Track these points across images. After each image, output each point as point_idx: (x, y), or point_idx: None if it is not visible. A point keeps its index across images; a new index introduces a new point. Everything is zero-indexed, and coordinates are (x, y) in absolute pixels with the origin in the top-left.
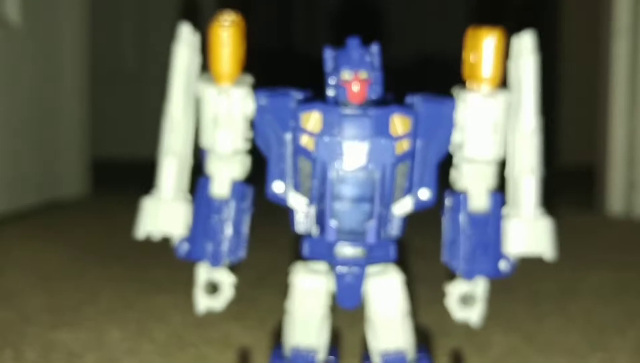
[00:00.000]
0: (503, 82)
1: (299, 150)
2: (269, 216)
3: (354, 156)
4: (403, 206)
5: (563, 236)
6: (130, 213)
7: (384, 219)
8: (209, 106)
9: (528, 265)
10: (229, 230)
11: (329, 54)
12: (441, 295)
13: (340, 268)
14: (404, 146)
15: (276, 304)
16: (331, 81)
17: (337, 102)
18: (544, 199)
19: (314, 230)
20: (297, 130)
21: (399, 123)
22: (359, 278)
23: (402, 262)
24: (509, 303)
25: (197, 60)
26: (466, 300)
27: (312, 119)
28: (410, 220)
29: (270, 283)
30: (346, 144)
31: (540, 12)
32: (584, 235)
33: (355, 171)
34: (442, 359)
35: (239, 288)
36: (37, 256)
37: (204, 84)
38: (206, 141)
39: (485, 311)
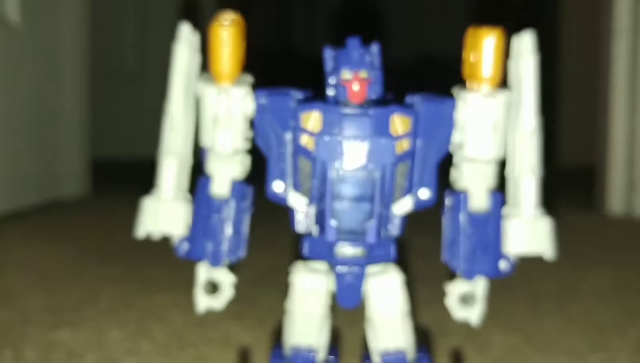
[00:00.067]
0: (503, 82)
1: (299, 150)
2: (269, 216)
3: (354, 155)
4: (403, 206)
5: (563, 236)
6: (130, 212)
7: (384, 219)
8: (209, 106)
9: (528, 265)
10: (229, 230)
11: (329, 54)
12: (441, 295)
13: (340, 268)
14: (404, 145)
15: (276, 304)
16: (331, 80)
17: (337, 102)
18: (544, 199)
19: (314, 230)
20: (297, 130)
21: (399, 123)
22: (359, 278)
23: (402, 262)
24: (509, 303)
25: (197, 60)
26: (466, 300)
27: (312, 119)
28: (410, 220)
29: (270, 283)
30: (346, 144)
31: (540, 12)
32: (584, 235)
33: (355, 171)
34: (442, 359)
35: (239, 287)
36: (37, 256)
37: (204, 84)
38: (206, 141)
39: (485, 311)
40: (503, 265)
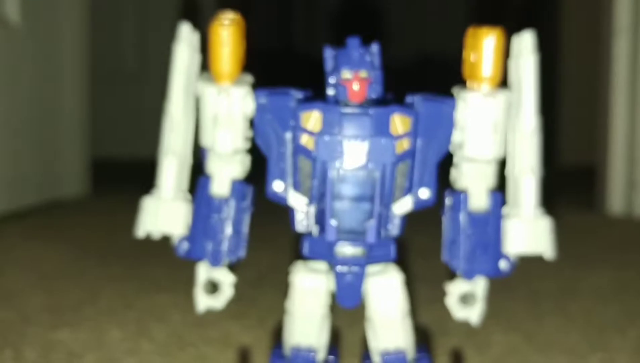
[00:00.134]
0: (503, 82)
1: (299, 149)
2: (269, 216)
3: (354, 155)
4: (403, 206)
5: (563, 236)
6: (130, 212)
7: (384, 219)
8: (209, 106)
9: (528, 265)
10: (228, 229)
11: (329, 54)
12: (441, 295)
13: (340, 268)
14: (404, 145)
15: (276, 303)
16: (331, 80)
17: (337, 102)
18: (544, 199)
19: (314, 230)
20: (297, 129)
21: (399, 122)
22: (359, 278)
23: (402, 262)
24: (509, 303)
25: (197, 59)
26: (466, 300)
27: (313, 119)
28: (410, 220)
29: (270, 283)
30: (346, 144)
31: (540, 12)
32: (584, 235)
33: (355, 171)
34: (442, 358)
35: (238, 287)
36: (37, 256)
37: (204, 84)
38: (206, 141)
39: (485, 311)
40: (503, 265)
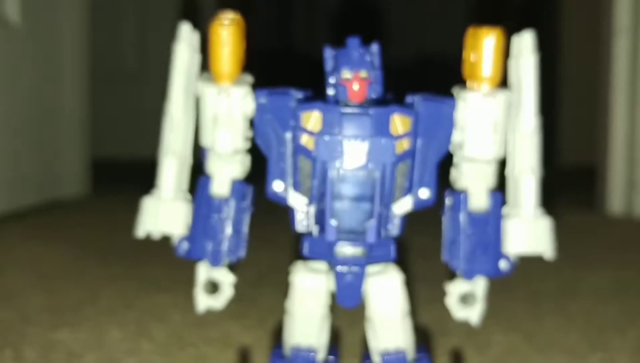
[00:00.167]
0: (503, 82)
1: (299, 149)
2: (269, 216)
3: (354, 155)
4: (403, 206)
5: (563, 236)
6: (130, 212)
7: (384, 219)
8: (209, 105)
9: (528, 265)
10: (228, 229)
11: (329, 54)
12: (441, 295)
13: (340, 268)
14: (404, 145)
15: (276, 303)
16: (331, 80)
17: (337, 102)
18: (544, 199)
19: (314, 230)
20: (297, 129)
21: (399, 122)
22: (359, 278)
23: (402, 261)
24: (509, 303)
25: (197, 59)
26: (466, 300)
27: (313, 119)
28: (410, 219)
29: (270, 283)
30: (346, 143)
31: (540, 12)
32: (584, 235)
33: (355, 170)
34: (442, 358)
35: (238, 287)
36: (37, 256)
37: (204, 84)
38: (206, 141)
39: (485, 311)
40: (503, 265)
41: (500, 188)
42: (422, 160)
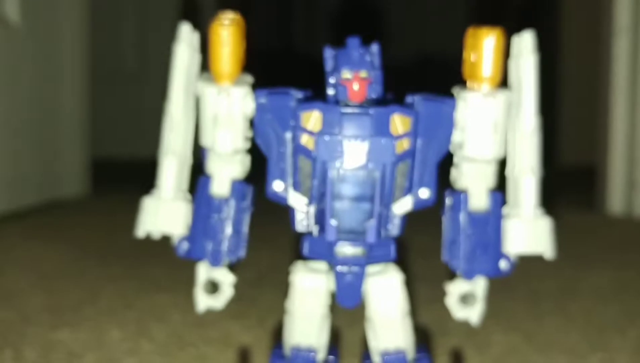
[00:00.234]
0: (503, 82)
1: (299, 149)
2: (269, 215)
3: (354, 155)
4: (403, 206)
5: (563, 236)
6: (130, 212)
7: (384, 219)
8: (209, 105)
9: (528, 264)
10: (228, 229)
11: (329, 54)
12: (441, 294)
13: (340, 268)
14: (404, 145)
15: (276, 303)
16: (331, 80)
17: (337, 102)
18: (544, 199)
19: (314, 230)
20: (297, 129)
21: (399, 122)
22: (359, 278)
23: (402, 261)
24: (509, 303)
25: (197, 59)
26: (466, 300)
27: (313, 119)
28: (410, 220)
29: (270, 283)
30: (346, 143)
31: (540, 12)
32: (584, 235)
33: (355, 170)
34: (442, 358)
35: (238, 287)
36: (37, 256)
37: (204, 84)
38: (206, 141)
39: (485, 311)
40: (503, 265)
41: (500, 188)
42: (422, 160)
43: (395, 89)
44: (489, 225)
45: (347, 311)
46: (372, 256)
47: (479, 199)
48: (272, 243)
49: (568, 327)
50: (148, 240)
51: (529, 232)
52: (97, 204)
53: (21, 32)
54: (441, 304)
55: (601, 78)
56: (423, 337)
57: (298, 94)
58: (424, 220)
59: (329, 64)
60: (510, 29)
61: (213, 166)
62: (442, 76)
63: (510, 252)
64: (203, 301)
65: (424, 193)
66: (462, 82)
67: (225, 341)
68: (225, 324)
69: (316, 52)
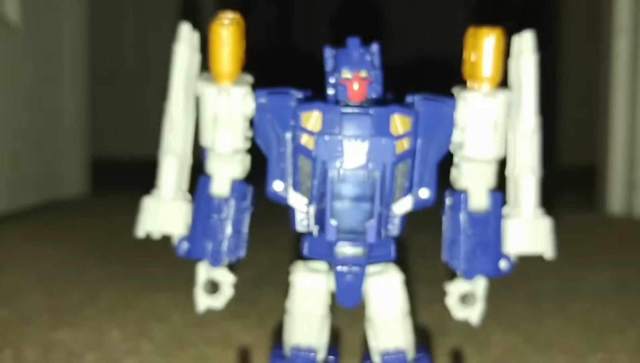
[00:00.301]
0: (503, 82)
1: (299, 149)
2: (269, 215)
3: (354, 155)
4: (403, 206)
5: (563, 236)
6: (130, 212)
7: (384, 219)
8: (209, 105)
9: (528, 264)
10: (228, 229)
11: (329, 54)
12: (441, 294)
13: (341, 268)
14: (404, 145)
15: (276, 303)
16: (331, 80)
17: (337, 101)
18: (544, 199)
19: (314, 230)
20: (297, 129)
21: (399, 122)
22: (359, 277)
23: (402, 261)
24: (509, 303)
25: (197, 59)
26: (466, 300)
27: (313, 118)
28: (410, 220)
29: (270, 282)
30: (346, 143)
31: (540, 12)
32: (584, 235)
33: (355, 170)
34: (442, 358)
35: (238, 287)
36: (37, 256)
37: (204, 83)
38: (206, 141)
39: (485, 311)
40: (503, 265)
41: (500, 188)
42: (422, 160)
43: (395, 89)
44: (489, 225)
45: (347, 311)
46: (372, 256)
47: (479, 199)
48: (272, 243)
49: (568, 327)
50: (148, 240)
51: (529, 232)
52: (97, 204)
53: (21, 32)
54: (441, 304)
55: (601, 78)
56: (423, 337)
57: (298, 94)
58: (424, 220)
59: (329, 64)
60: (510, 29)
61: (213, 166)
62: (442, 76)
63: (510, 252)
64: (203, 301)
65: (424, 193)
66: (462, 82)
67: (225, 341)
68: (225, 324)
69: (316, 52)
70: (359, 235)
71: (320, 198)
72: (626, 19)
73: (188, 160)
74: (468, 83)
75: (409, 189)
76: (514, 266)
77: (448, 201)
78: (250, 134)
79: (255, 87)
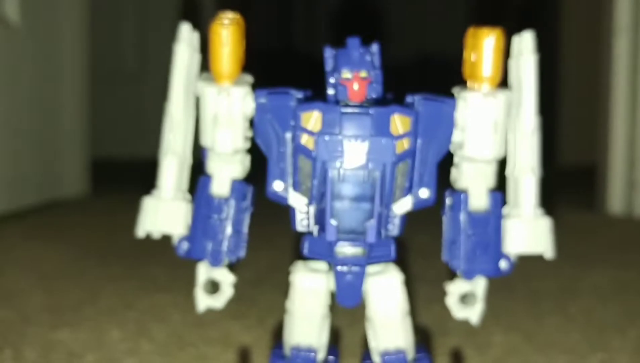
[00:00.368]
0: (503, 82)
1: (299, 149)
2: (268, 215)
3: (354, 155)
4: (403, 206)
5: (563, 236)
6: (130, 212)
7: (384, 219)
8: (209, 105)
9: (528, 264)
10: (228, 229)
11: (329, 53)
12: (441, 294)
13: (341, 268)
14: (404, 145)
15: (276, 303)
16: (331, 80)
17: (337, 101)
18: (544, 199)
19: (314, 230)
20: (297, 129)
21: (399, 122)
22: (359, 277)
23: (401, 261)
24: (509, 303)
25: (197, 59)
26: (466, 300)
27: (313, 118)
28: (410, 220)
29: (270, 282)
30: (346, 143)
31: (540, 12)
32: (584, 235)
33: (355, 170)
34: (442, 358)
35: (238, 287)
36: (37, 256)
37: (204, 83)
38: (206, 141)
39: (485, 311)
40: (503, 265)
41: (500, 188)
42: (422, 160)
43: (395, 89)
44: (489, 225)
45: (347, 311)
46: (372, 256)
47: (479, 199)
48: (272, 243)
49: (568, 327)
50: (148, 239)
51: (529, 232)
52: (97, 204)
53: (21, 32)
54: (441, 304)
55: (601, 78)
56: (423, 337)
57: (298, 94)
58: (424, 220)
59: (329, 64)
60: (510, 29)
61: (213, 166)
62: (442, 76)
63: (510, 252)
64: (203, 301)
65: (424, 193)
66: (462, 82)
67: (225, 341)
68: (225, 324)
69: (316, 52)
70: (359, 235)
71: (320, 198)
72: (626, 19)
73: (188, 160)
74: (468, 83)
75: (409, 189)
76: (514, 266)
77: (448, 201)
78: (250, 134)
79: (255, 87)
